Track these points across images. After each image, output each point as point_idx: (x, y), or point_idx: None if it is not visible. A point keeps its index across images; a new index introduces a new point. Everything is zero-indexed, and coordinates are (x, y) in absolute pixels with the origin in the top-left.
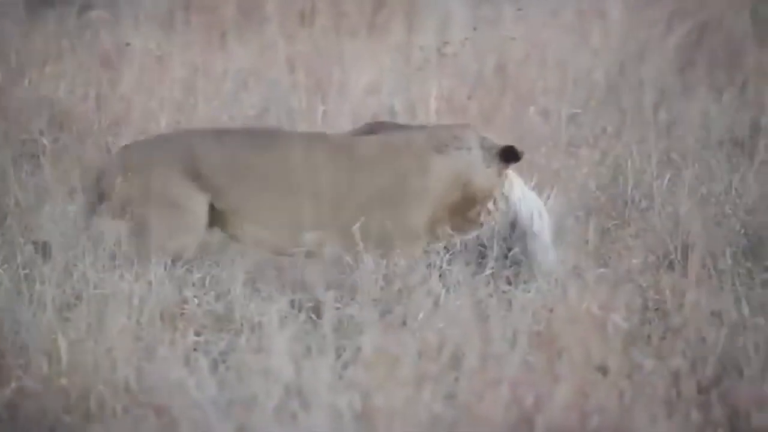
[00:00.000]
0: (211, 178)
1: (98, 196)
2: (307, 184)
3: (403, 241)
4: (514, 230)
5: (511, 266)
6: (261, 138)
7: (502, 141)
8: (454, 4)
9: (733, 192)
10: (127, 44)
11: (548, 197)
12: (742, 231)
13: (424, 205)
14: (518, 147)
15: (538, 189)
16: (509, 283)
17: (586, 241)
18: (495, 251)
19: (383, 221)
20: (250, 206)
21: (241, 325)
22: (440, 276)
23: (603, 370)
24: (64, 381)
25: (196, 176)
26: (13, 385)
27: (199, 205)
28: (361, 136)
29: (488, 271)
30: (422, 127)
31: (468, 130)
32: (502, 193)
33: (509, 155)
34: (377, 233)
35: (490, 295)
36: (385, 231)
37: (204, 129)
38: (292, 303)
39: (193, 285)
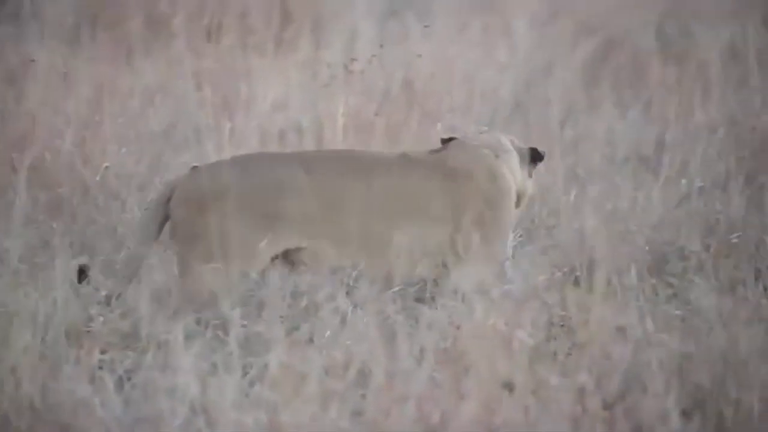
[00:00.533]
0: (297, 212)
1: (164, 218)
2: (400, 205)
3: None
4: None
5: (417, 283)
6: (348, 162)
7: None
8: (361, 21)
9: (638, 208)
10: (32, 60)
11: None
12: (647, 247)
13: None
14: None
15: None
16: (417, 300)
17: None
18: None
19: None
20: (338, 234)
21: (147, 342)
22: (347, 293)
23: (509, 387)
24: None
25: (275, 216)
26: None
27: (264, 254)
28: (440, 152)
29: (395, 288)
30: (475, 138)
31: (497, 133)
32: None
33: (536, 155)
34: (469, 245)
35: (397, 312)
36: (472, 243)
37: (284, 154)
38: (198, 320)
39: (99, 303)
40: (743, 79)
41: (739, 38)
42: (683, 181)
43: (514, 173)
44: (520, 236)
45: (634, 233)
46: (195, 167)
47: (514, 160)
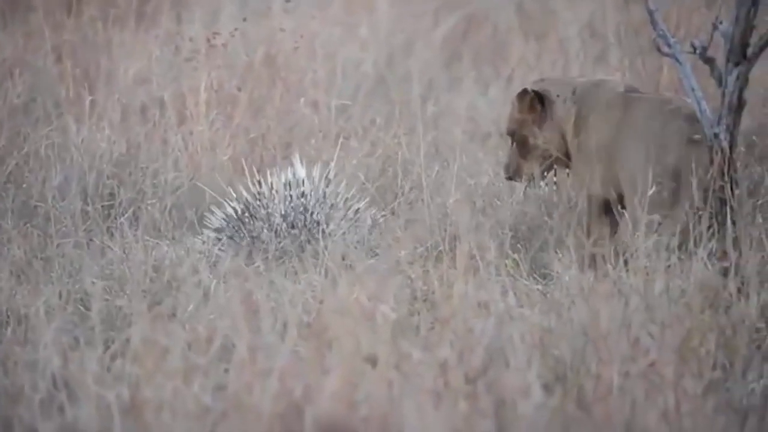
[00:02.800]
0: None
1: None
2: None
3: None
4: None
5: (282, 257)
6: None
7: (272, 133)
8: None
9: (500, 184)
10: None
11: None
12: (509, 222)
13: None
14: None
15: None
16: (283, 275)
17: (357, 233)
18: (268, 241)
19: None
20: None
21: (8, 316)
22: (211, 267)
23: (372, 361)
24: None
25: None
26: None
27: None
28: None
29: (259, 262)
30: None
31: None
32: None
33: None
34: None
35: (260, 287)
36: None
37: None
38: (60, 294)
39: None
40: (602, 56)
41: (599, 15)
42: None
43: None
44: (383, 212)
45: (497, 208)
46: None
47: None
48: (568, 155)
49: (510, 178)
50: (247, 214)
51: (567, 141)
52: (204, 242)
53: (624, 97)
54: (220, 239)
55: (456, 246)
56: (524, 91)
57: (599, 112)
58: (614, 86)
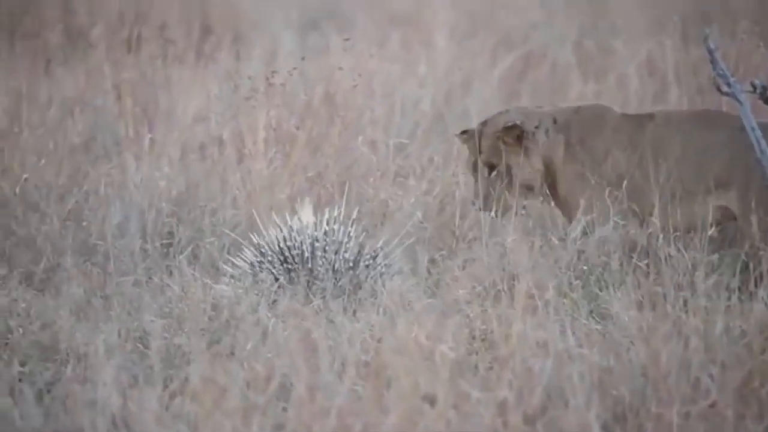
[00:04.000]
0: None
1: None
2: None
3: None
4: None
5: (339, 297)
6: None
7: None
8: (282, 34)
9: (560, 223)
10: None
11: (377, 228)
12: (568, 262)
13: None
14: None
15: (368, 219)
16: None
17: (415, 273)
18: (324, 281)
19: None
20: None
21: (67, 355)
22: (269, 306)
23: (430, 400)
24: None
25: None
26: None
27: None
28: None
29: (317, 302)
30: None
31: None
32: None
33: None
34: None
35: (319, 325)
36: None
37: None
38: (119, 332)
39: (18, 315)
40: (661, 94)
41: (657, 53)
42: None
43: None
44: (441, 250)
45: (556, 248)
46: None
47: None
48: (548, 185)
49: (483, 209)
50: (307, 253)
51: (552, 170)
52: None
53: (629, 117)
54: (278, 279)
55: (514, 285)
56: (514, 125)
57: (604, 137)
58: (605, 110)
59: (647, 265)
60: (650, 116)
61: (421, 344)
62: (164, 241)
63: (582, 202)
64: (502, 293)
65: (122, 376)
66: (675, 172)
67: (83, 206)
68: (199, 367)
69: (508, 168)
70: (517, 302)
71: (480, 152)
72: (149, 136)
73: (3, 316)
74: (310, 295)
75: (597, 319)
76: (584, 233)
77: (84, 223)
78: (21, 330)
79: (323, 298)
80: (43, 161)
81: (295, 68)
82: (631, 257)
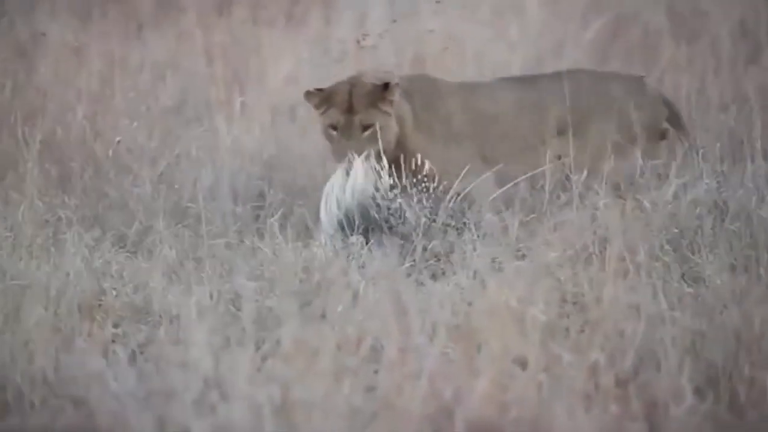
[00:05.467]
0: None
1: None
2: None
3: None
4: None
5: (429, 260)
6: None
7: None
8: None
9: (651, 187)
10: (43, 34)
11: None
12: (660, 225)
13: None
14: None
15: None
16: (429, 276)
17: (505, 235)
18: (414, 244)
19: None
20: None
21: (160, 316)
22: (360, 268)
23: (521, 363)
24: None
25: None
26: None
27: None
28: None
29: (407, 264)
30: None
31: None
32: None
33: None
34: None
35: (409, 288)
36: None
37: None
38: (211, 295)
39: (112, 276)
40: (754, 57)
41: (750, 15)
42: (695, 158)
43: None
44: (532, 213)
45: (647, 211)
46: None
47: None
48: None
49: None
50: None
51: (402, 133)
52: (352, 244)
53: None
54: (368, 241)
55: (605, 248)
56: (396, 84)
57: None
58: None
59: (739, 228)
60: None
61: (511, 307)
62: (255, 204)
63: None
64: (594, 256)
65: (214, 338)
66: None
67: (175, 169)
68: (290, 329)
69: (380, 128)
70: (609, 265)
71: (355, 111)
72: (240, 99)
73: (96, 278)
74: (400, 258)
75: (689, 282)
76: (675, 196)
77: (176, 186)
78: (114, 292)
79: (413, 261)
80: (135, 124)
81: (386, 31)
82: (723, 220)
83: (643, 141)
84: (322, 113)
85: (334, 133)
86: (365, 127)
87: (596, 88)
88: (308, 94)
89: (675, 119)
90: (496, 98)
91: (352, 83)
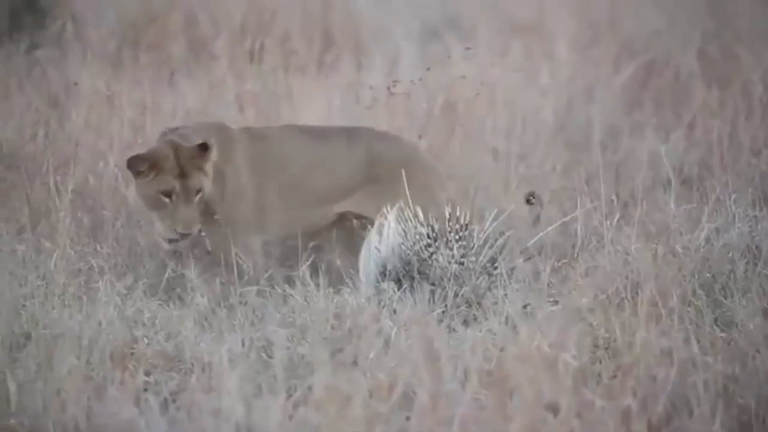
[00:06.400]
0: None
1: None
2: None
3: None
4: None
5: (460, 306)
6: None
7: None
8: (403, 44)
9: (683, 231)
10: (75, 83)
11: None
12: (692, 269)
13: None
14: None
15: (491, 228)
16: (460, 322)
17: (537, 280)
18: (446, 290)
19: None
20: None
21: (192, 364)
22: (391, 315)
23: (553, 409)
24: (12, 422)
25: None
26: None
27: None
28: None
29: (439, 310)
30: None
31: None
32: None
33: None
34: None
35: (441, 334)
36: None
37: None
38: (242, 342)
39: (144, 325)
40: None
41: None
42: (728, 203)
43: None
44: (564, 259)
45: (679, 255)
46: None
47: None
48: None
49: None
50: (427, 260)
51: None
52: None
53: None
54: (400, 287)
55: (637, 293)
56: (213, 144)
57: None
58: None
59: None
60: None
61: (543, 353)
62: (287, 250)
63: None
64: (626, 301)
65: (246, 386)
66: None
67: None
68: (322, 376)
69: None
70: (641, 310)
71: (187, 176)
72: None
73: (128, 327)
74: (432, 304)
75: (722, 327)
76: (707, 240)
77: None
78: (146, 340)
79: (445, 306)
80: None
81: (420, 79)
82: (756, 264)
83: None
84: (151, 180)
85: (167, 200)
86: (196, 192)
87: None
88: (135, 159)
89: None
90: (285, 147)
91: (174, 146)
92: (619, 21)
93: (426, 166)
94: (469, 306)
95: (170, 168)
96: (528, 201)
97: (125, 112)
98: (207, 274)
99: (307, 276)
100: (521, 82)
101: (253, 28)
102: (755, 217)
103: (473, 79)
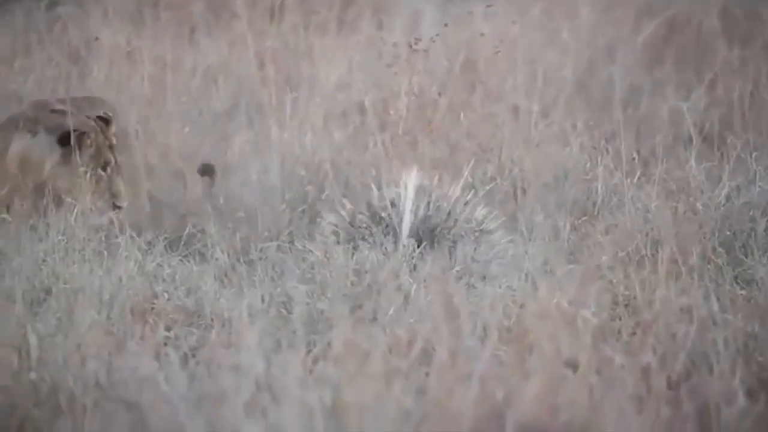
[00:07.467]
0: None
1: None
2: None
3: None
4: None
5: (480, 261)
6: None
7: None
8: (423, 2)
9: (703, 188)
10: (96, 39)
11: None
12: (712, 227)
13: None
14: None
15: (510, 185)
16: (480, 278)
17: (557, 237)
18: (465, 246)
19: None
20: None
21: (212, 320)
22: (411, 271)
23: (573, 366)
24: (33, 376)
25: None
26: None
27: None
28: None
29: (458, 267)
30: None
31: None
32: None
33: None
34: None
35: (460, 291)
36: None
37: None
38: (262, 298)
39: (164, 280)
40: None
41: None
42: (749, 161)
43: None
44: (585, 217)
45: (699, 213)
46: None
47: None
48: None
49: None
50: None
51: None
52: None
53: None
54: (420, 244)
55: (658, 251)
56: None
57: None
58: None
59: None
60: None
61: (563, 309)
62: (306, 207)
63: None
64: (646, 259)
65: (266, 341)
66: None
67: (226, 173)
68: (341, 332)
69: None
70: (661, 268)
71: (111, 147)
72: (292, 103)
73: (149, 282)
74: (452, 260)
75: (741, 284)
76: (728, 198)
77: (227, 190)
78: (166, 295)
79: (464, 263)
80: (187, 129)
81: (437, 35)
82: None
83: None
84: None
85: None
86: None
87: None
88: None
89: None
90: None
91: (99, 117)
92: None
93: None
94: (489, 263)
95: (98, 139)
96: (203, 173)
97: (146, 67)
98: (227, 229)
99: (327, 232)
100: (542, 40)
101: None
102: None
103: (493, 36)
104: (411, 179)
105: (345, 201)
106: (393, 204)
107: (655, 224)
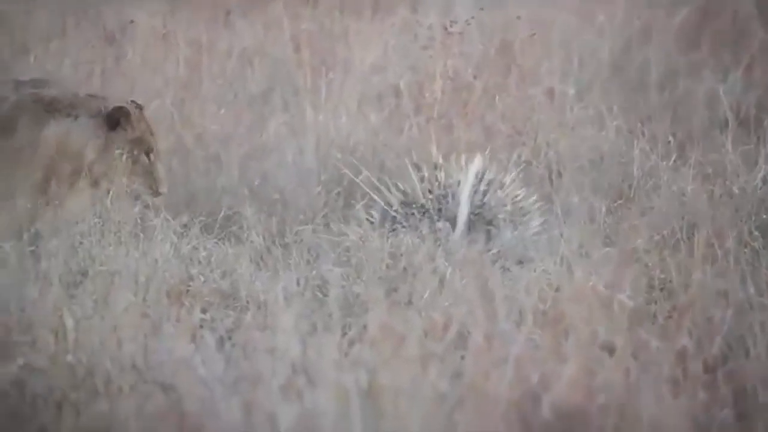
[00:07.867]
0: None
1: None
2: None
3: None
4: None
5: (516, 245)
6: None
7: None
8: None
9: (740, 171)
10: (131, 21)
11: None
12: (748, 211)
13: None
14: None
15: (546, 168)
16: (516, 262)
17: (592, 220)
18: (501, 230)
19: None
20: None
21: (247, 302)
22: (447, 254)
23: (609, 349)
24: (70, 358)
25: None
26: (20, 361)
27: None
28: None
29: (494, 250)
30: None
31: None
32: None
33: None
34: None
35: (496, 274)
36: None
37: None
38: (297, 281)
39: (200, 263)
40: None
41: None
42: None
43: None
44: (620, 200)
45: (735, 196)
46: None
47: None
48: None
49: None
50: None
51: None
52: (439, 230)
53: None
54: (454, 227)
55: (694, 234)
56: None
57: None
58: None
59: None
60: None
61: (599, 293)
62: (342, 190)
63: None
64: (681, 242)
65: (301, 324)
66: None
67: (262, 156)
68: (377, 315)
69: None
70: (697, 251)
71: (152, 134)
72: (327, 86)
73: (184, 265)
74: (487, 243)
75: None
76: (764, 181)
77: (263, 173)
78: (202, 278)
79: (500, 246)
80: (222, 111)
81: (473, 17)
82: None
83: None
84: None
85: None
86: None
87: None
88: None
89: None
90: None
91: (137, 105)
92: None
93: None
94: (524, 246)
95: (140, 126)
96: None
97: (181, 50)
98: (263, 212)
99: (362, 215)
100: (577, 22)
101: None
102: None
103: (529, 19)
104: (473, 165)
105: (381, 184)
106: (430, 189)
107: (691, 208)
